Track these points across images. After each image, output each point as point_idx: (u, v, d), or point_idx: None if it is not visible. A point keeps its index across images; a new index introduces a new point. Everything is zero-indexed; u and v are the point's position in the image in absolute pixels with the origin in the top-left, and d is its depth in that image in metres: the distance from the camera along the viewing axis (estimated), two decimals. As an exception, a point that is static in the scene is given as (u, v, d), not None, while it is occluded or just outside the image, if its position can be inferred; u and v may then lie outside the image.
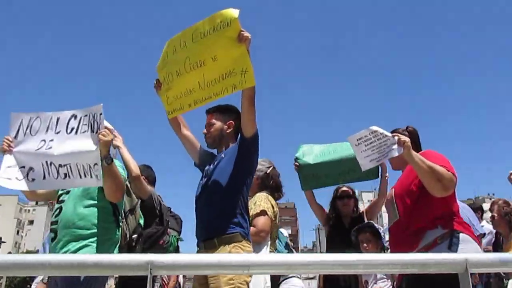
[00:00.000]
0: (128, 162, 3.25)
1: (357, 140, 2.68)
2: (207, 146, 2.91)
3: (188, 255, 1.64)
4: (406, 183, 2.65)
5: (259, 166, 3.20)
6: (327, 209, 4.31)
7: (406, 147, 2.39)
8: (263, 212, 3.14)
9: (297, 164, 4.00)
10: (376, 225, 3.78)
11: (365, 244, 3.66)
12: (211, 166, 2.75)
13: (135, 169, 3.20)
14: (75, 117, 2.59)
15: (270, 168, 3.44)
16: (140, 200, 3.19)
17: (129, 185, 3.08)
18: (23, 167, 2.60)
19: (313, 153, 4.06)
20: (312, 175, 4.05)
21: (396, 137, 2.44)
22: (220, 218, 2.54)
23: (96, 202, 2.70)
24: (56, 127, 2.60)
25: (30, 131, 2.65)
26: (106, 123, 3.41)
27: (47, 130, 2.61)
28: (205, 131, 2.88)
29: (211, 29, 2.62)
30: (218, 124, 2.83)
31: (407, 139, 2.43)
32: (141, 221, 3.12)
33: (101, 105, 2.55)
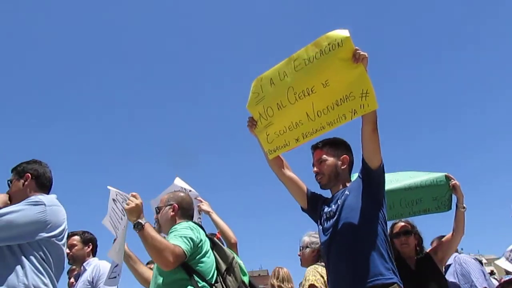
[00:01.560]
0: (225, 228, 3.24)
1: None
2: (320, 187, 2.57)
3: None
4: None
5: (313, 239, 3.29)
6: None
7: None
8: (311, 287, 3.04)
9: None
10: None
11: None
12: (333, 207, 2.40)
13: (234, 235, 3.18)
14: (114, 201, 2.69)
15: None
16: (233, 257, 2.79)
17: (217, 241, 2.75)
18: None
19: None
20: None
21: None
22: (369, 266, 2.14)
23: (168, 276, 2.40)
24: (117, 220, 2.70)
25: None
26: (183, 184, 3.26)
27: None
28: (315, 169, 2.54)
29: (317, 54, 2.38)
30: (331, 160, 2.52)
31: None
32: (246, 279, 2.70)
33: (109, 189, 2.70)
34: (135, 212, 2.29)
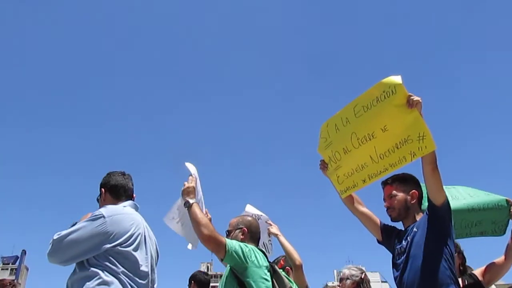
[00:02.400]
0: (290, 251, 3.43)
1: None
2: (391, 220, 2.74)
3: None
4: None
5: (352, 272, 3.49)
6: None
7: None
8: None
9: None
10: None
11: None
12: (404, 242, 2.57)
13: (299, 257, 3.32)
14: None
15: (363, 274, 3.54)
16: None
17: (277, 269, 2.95)
18: None
19: None
20: None
21: None
22: None
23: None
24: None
25: None
26: (255, 210, 3.64)
27: None
28: (386, 204, 2.73)
29: (374, 101, 2.58)
30: (400, 195, 2.67)
31: None
32: None
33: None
34: (185, 193, 2.79)
